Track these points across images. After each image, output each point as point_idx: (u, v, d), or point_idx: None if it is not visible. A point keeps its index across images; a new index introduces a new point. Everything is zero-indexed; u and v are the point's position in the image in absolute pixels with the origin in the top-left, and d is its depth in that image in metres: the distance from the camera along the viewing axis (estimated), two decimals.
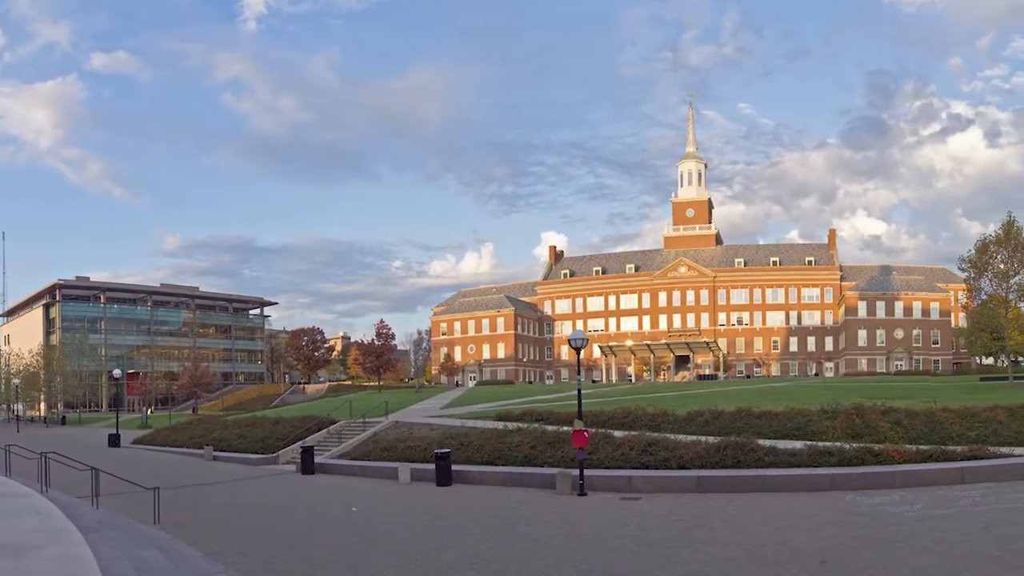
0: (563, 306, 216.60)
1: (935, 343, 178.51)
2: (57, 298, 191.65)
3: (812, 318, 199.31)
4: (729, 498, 31.91)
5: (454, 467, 41.96)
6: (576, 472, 35.74)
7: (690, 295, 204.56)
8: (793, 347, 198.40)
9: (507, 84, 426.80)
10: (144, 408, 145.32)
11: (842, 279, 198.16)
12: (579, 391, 39.65)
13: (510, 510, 31.96)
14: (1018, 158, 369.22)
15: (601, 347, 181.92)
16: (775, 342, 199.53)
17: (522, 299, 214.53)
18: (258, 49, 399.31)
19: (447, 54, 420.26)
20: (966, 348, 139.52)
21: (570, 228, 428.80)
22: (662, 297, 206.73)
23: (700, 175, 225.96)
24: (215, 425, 76.15)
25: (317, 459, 51.76)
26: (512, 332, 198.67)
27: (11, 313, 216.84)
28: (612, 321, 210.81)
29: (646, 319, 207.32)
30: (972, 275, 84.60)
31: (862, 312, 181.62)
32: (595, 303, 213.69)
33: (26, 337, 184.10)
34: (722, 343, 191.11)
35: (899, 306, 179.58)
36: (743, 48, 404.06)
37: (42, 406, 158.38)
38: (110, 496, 34.10)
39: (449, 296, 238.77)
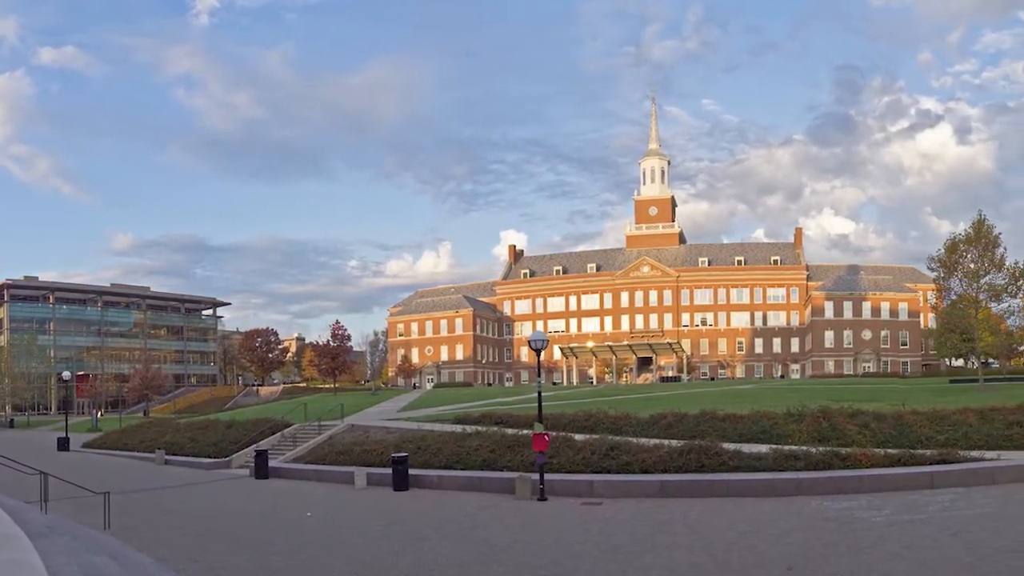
0: (523, 307, 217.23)
1: (904, 344, 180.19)
2: (5, 298, 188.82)
3: (778, 319, 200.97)
4: (693, 503, 32.00)
5: (411, 471, 41.96)
6: (536, 476, 35.71)
7: (653, 295, 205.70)
8: (758, 348, 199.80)
9: (466, 79, 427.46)
10: (94, 411, 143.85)
11: (808, 279, 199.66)
12: (539, 393, 39.69)
13: (469, 515, 31.92)
14: (988, 155, 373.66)
15: (562, 348, 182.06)
16: (740, 343, 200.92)
17: (481, 299, 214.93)
18: (210, 44, 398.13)
19: (404, 49, 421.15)
20: (935, 349, 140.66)
21: (530, 227, 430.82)
22: (624, 297, 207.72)
23: (663, 172, 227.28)
24: (167, 428, 75.53)
25: (271, 463, 51.57)
26: (471, 333, 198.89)
27: None
28: (573, 322, 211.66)
29: (608, 320, 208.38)
30: (942, 275, 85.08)
31: (829, 313, 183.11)
32: (556, 303, 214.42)
33: None
34: (686, 344, 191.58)
35: (867, 306, 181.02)
36: (707, 43, 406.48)
37: None
38: (59, 501, 33.87)
39: (406, 296, 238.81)
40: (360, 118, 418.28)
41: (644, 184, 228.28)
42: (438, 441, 46.86)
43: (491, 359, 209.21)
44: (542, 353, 39.19)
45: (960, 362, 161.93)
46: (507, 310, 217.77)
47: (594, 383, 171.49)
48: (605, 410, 52.02)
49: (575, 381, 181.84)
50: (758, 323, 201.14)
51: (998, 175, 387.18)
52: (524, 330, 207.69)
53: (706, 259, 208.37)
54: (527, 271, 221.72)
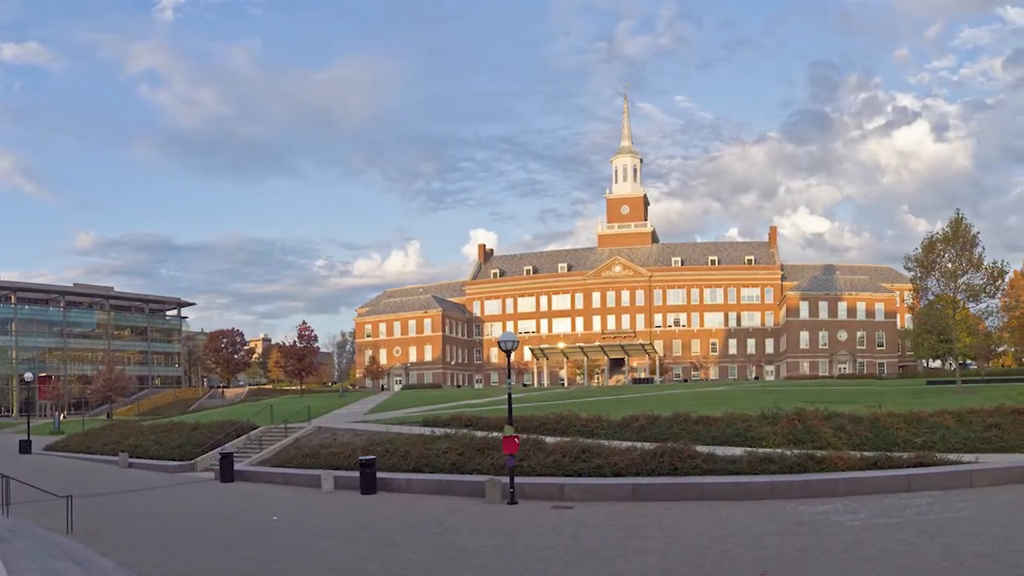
0: (493, 307, 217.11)
1: (880, 345, 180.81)
2: None
3: (752, 319, 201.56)
4: (666, 507, 32.03)
5: (379, 474, 41.98)
6: (506, 480, 35.74)
7: (625, 295, 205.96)
8: (732, 349, 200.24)
9: (434, 76, 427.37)
10: (57, 413, 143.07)
11: (783, 279, 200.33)
12: (509, 395, 39.74)
13: (437, 519, 31.83)
14: (966, 153, 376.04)
15: (532, 350, 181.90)
16: (713, 344, 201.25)
17: (450, 300, 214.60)
18: (175, 39, 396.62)
19: (372, 45, 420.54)
20: (912, 350, 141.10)
21: (500, 226, 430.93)
22: (596, 297, 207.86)
23: (636, 170, 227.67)
24: (131, 431, 75.43)
25: (237, 466, 51.53)
26: (440, 334, 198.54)
27: None
28: (544, 322, 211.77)
29: (579, 320, 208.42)
30: (918, 274, 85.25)
31: (804, 313, 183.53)
32: (526, 304, 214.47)
33: None
34: (658, 345, 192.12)
35: (842, 307, 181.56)
36: (680, 38, 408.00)
37: None
38: (21, 504, 33.80)
39: (374, 296, 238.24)
40: (327, 115, 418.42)
41: (616, 182, 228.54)
42: (406, 444, 46.97)
43: (460, 360, 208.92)
44: (512, 354, 39.20)
45: (937, 363, 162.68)
46: (477, 310, 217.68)
47: (565, 385, 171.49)
48: (576, 412, 52.19)
49: (546, 383, 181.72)
50: (732, 324, 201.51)
51: (976, 173, 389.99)
52: (494, 331, 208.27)
53: (679, 259, 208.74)
54: (497, 271, 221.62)
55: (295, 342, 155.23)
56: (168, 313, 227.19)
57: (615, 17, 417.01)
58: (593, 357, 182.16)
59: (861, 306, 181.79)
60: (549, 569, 22.22)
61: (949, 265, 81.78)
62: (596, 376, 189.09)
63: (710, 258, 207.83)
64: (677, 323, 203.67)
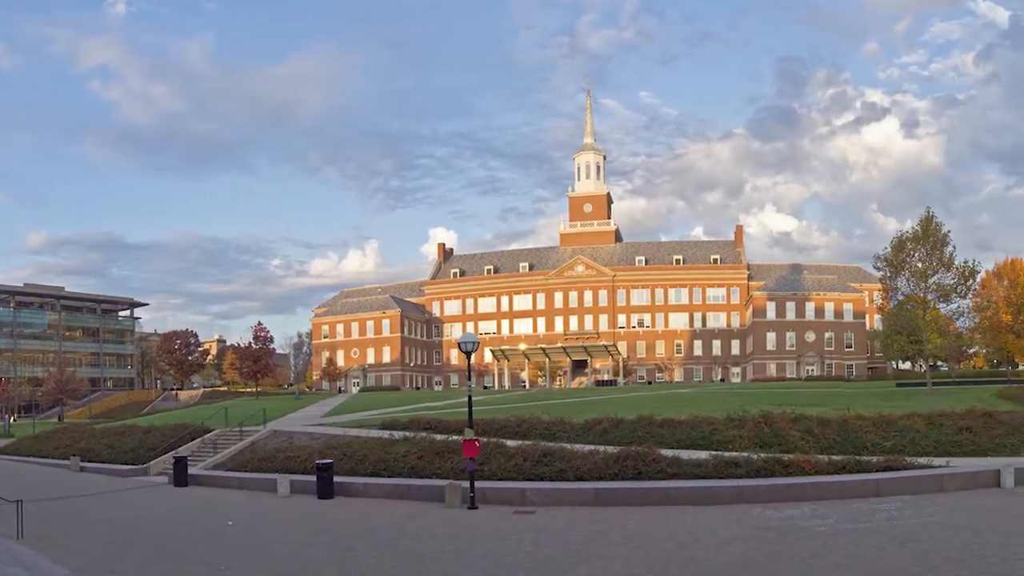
0: (452, 307, 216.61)
1: (848, 347, 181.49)
2: None
3: (718, 320, 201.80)
4: (629, 511, 32.08)
5: (337, 479, 41.78)
6: (466, 484, 35.69)
7: (588, 296, 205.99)
8: (697, 351, 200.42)
9: (393, 71, 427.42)
10: (6, 416, 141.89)
11: (750, 278, 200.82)
12: (469, 398, 39.71)
13: (396, 524, 31.78)
14: (937, 150, 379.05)
15: (493, 351, 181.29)
16: (678, 345, 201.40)
17: (409, 300, 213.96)
18: (128, 34, 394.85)
19: (329, 39, 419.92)
20: (882, 352, 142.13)
21: (460, 224, 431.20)
22: (558, 298, 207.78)
23: (599, 168, 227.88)
24: (82, 434, 75.07)
25: (191, 470, 51.24)
26: (398, 335, 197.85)
27: None
28: (505, 323, 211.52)
29: (541, 321, 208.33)
30: (888, 274, 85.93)
31: (771, 313, 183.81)
32: (487, 304, 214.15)
33: None
34: (622, 347, 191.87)
35: (810, 307, 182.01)
36: (644, 33, 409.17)
37: None
38: None
39: (331, 297, 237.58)
40: (283, 111, 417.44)
41: (579, 180, 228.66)
42: (364, 447, 46.95)
43: (420, 362, 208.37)
44: (472, 356, 39.16)
45: (907, 365, 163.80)
46: (436, 311, 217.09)
47: (527, 387, 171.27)
48: (538, 415, 52.29)
49: (507, 385, 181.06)
50: (697, 324, 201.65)
51: (946, 171, 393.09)
52: (454, 332, 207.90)
53: (643, 258, 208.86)
54: (457, 270, 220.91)
55: (250, 343, 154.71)
56: (120, 314, 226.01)
57: (577, 11, 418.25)
58: (555, 359, 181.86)
59: (829, 306, 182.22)
60: (510, 575, 22.20)
61: (919, 264, 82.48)
62: (558, 378, 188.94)
63: (675, 257, 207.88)
64: (641, 324, 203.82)
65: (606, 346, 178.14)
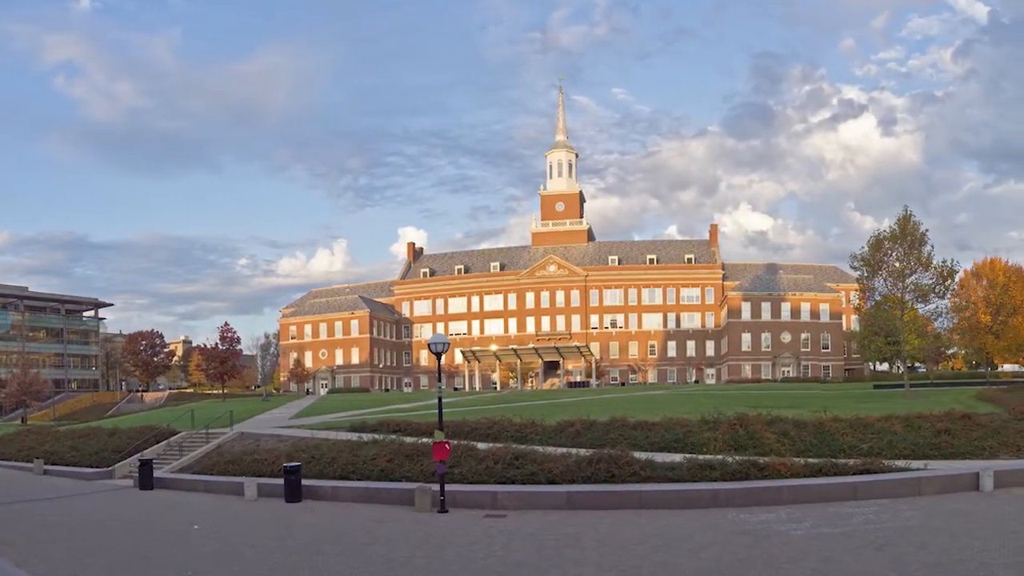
0: (422, 307, 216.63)
1: (825, 348, 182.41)
2: None
3: (692, 320, 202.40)
4: (602, 515, 32.01)
5: (305, 482, 41.71)
6: (437, 487, 35.57)
7: (560, 296, 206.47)
8: (671, 352, 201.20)
9: (362, 68, 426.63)
10: None
11: (724, 278, 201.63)
12: (440, 400, 39.77)
13: (365, 528, 31.70)
14: (915, 147, 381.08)
15: (463, 352, 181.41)
16: (652, 346, 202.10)
17: (378, 300, 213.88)
18: (93, 29, 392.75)
19: (297, 35, 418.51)
20: (859, 353, 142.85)
21: (430, 223, 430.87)
22: (530, 298, 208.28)
23: (571, 166, 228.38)
24: (46, 436, 75.15)
25: (157, 473, 51.13)
26: (367, 336, 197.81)
27: None
28: (476, 324, 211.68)
29: (512, 322, 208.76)
30: (865, 274, 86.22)
31: (746, 314, 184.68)
32: (457, 304, 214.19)
33: None
34: (594, 348, 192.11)
35: (786, 307, 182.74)
36: (617, 28, 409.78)
37: None
38: None
39: (299, 297, 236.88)
40: (250, 108, 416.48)
41: (551, 178, 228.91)
42: (333, 450, 46.84)
43: (389, 363, 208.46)
44: (443, 357, 39.05)
45: (885, 366, 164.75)
46: (406, 311, 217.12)
47: (498, 389, 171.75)
48: (509, 417, 52.37)
49: (478, 386, 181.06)
50: (671, 325, 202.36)
51: (925, 168, 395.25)
52: (424, 332, 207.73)
53: (616, 257, 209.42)
54: (427, 270, 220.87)
55: (217, 344, 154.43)
56: (85, 314, 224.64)
57: (549, 6, 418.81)
58: (527, 360, 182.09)
59: (805, 307, 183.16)
60: None
61: (897, 264, 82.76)
62: (530, 379, 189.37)
63: (648, 257, 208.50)
64: (614, 324, 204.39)
65: (578, 347, 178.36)
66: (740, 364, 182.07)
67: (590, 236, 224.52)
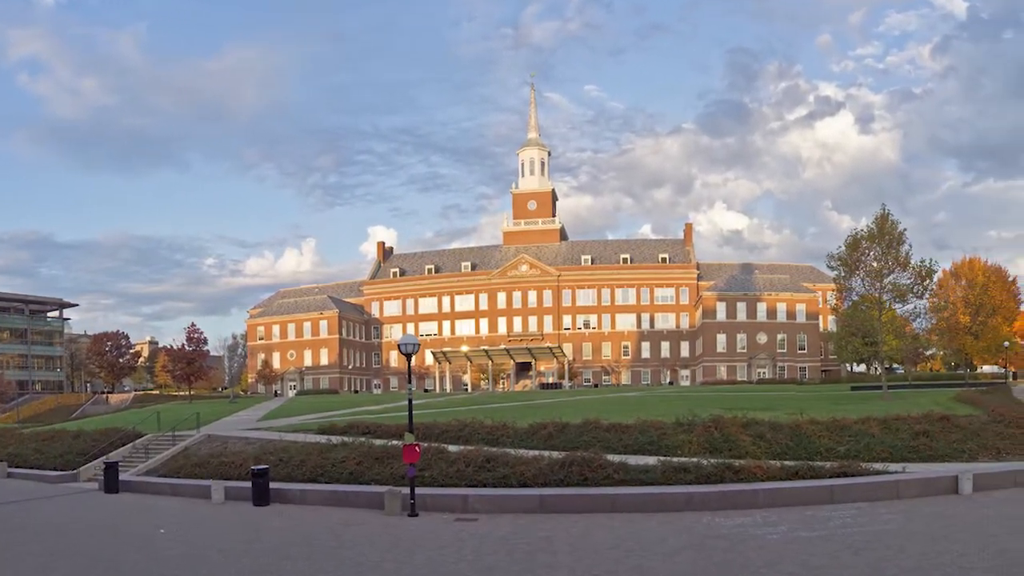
0: (392, 308, 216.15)
1: (801, 348, 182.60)
2: None
3: (666, 321, 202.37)
4: (575, 519, 32.07)
5: (273, 485, 41.71)
6: (407, 490, 35.59)
7: (532, 296, 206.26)
8: (645, 353, 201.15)
9: (331, 65, 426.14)
10: None
11: (699, 278, 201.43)
12: (410, 401, 39.55)
13: (334, 532, 31.69)
14: (893, 145, 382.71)
15: (434, 353, 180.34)
16: (626, 347, 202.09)
17: (347, 300, 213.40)
18: (57, 25, 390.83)
19: (266, 31, 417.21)
20: (835, 354, 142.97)
21: (400, 223, 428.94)
22: (501, 298, 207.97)
23: (543, 164, 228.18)
24: (10, 439, 74.27)
25: (122, 476, 50.87)
26: (336, 336, 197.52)
27: None
28: (446, 324, 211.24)
29: (484, 322, 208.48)
30: (842, 274, 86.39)
31: (721, 314, 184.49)
32: (427, 304, 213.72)
33: None
34: (567, 349, 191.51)
35: (762, 308, 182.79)
36: (590, 24, 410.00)
37: None
38: None
39: (267, 297, 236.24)
40: (218, 106, 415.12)
41: (523, 176, 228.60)
42: (301, 452, 46.84)
43: (358, 364, 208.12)
44: (413, 358, 38.95)
45: (862, 367, 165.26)
46: (376, 312, 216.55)
47: (469, 390, 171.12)
48: (481, 419, 52.37)
49: (449, 388, 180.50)
50: (645, 326, 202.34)
51: (903, 167, 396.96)
52: (394, 333, 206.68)
53: (589, 257, 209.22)
54: (397, 270, 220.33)
55: (183, 345, 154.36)
56: (49, 314, 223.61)
57: (522, 2, 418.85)
58: (499, 361, 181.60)
59: (782, 307, 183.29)
60: None
61: (874, 264, 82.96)
62: (502, 381, 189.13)
63: (622, 256, 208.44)
64: (587, 325, 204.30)
65: (551, 348, 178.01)
66: (715, 365, 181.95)
67: (563, 235, 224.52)
